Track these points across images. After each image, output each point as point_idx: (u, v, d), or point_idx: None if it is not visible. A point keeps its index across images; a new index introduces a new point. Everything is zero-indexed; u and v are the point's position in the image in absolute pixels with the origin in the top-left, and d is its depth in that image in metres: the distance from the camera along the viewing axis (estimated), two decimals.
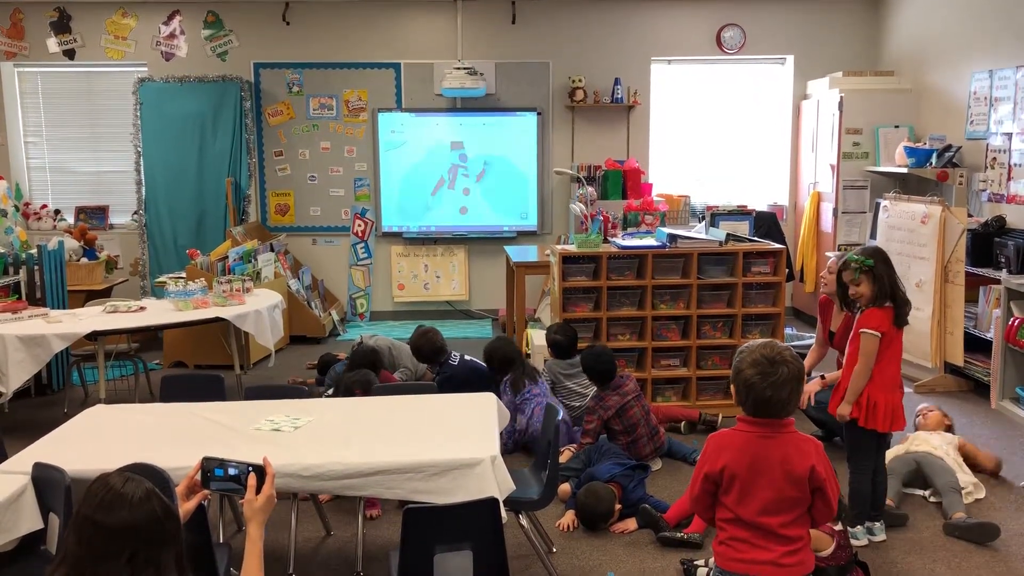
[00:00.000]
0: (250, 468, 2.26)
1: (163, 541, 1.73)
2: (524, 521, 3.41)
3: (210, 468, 2.32)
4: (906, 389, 5.84)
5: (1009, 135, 6.19)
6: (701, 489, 2.52)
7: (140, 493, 1.72)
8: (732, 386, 2.49)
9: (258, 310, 5.54)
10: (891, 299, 3.57)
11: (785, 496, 2.42)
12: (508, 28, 8.38)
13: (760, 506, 2.42)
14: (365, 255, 8.55)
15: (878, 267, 3.58)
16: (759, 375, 2.40)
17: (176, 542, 1.76)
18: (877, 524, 3.77)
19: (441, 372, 5.17)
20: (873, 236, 6.58)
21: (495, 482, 2.91)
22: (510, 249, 7.17)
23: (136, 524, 1.69)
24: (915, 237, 6.05)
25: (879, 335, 3.56)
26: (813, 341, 5.68)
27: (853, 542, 3.58)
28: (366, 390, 4.20)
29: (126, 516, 1.69)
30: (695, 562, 3.52)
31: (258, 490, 2.22)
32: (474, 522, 2.67)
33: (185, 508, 2.28)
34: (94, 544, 1.68)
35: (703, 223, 6.45)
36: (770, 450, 2.42)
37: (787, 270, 5.71)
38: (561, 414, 3.51)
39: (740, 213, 6.51)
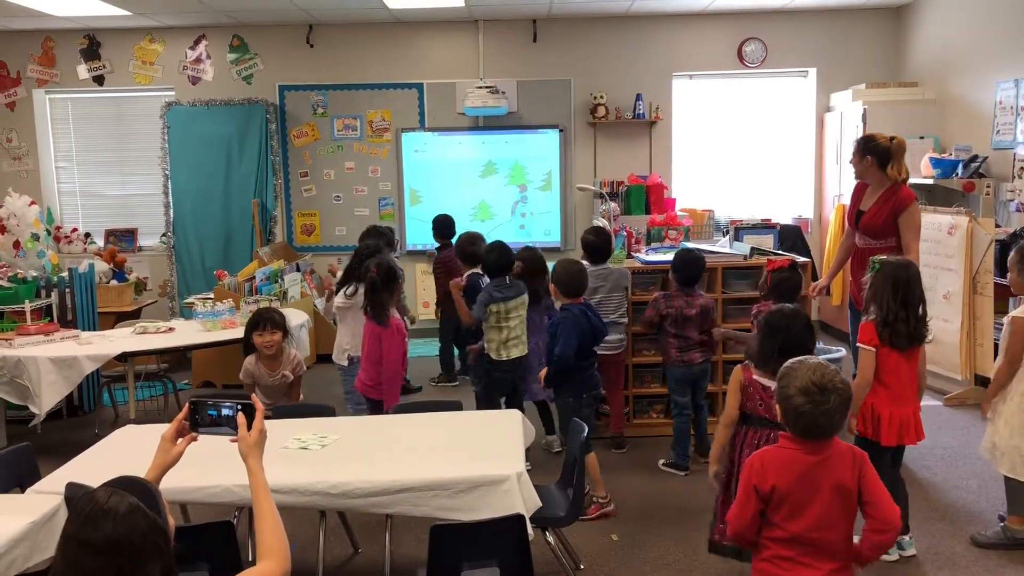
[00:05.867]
0: (239, 406, 2.24)
1: (149, 556, 1.68)
2: (551, 538, 3.41)
3: (200, 410, 2.28)
4: (935, 402, 5.87)
5: None
6: (754, 508, 2.40)
7: (124, 508, 1.67)
8: (778, 406, 2.42)
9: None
10: (880, 313, 3.53)
11: (834, 510, 2.36)
12: (529, 46, 8.43)
13: (810, 522, 2.36)
14: None
15: (877, 278, 3.57)
16: (810, 403, 2.33)
17: (163, 555, 1.71)
18: (906, 538, 3.73)
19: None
20: None
21: (521, 499, 2.91)
22: None
23: (120, 539, 1.64)
24: (942, 248, 5.99)
25: (872, 350, 3.56)
26: (840, 354, 5.65)
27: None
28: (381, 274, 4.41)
29: (110, 532, 1.64)
30: None
31: (249, 427, 2.19)
32: (501, 539, 2.68)
33: (176, 451, 2.26)
34: (80, 563, 1.64)
35: (727, 237, 6.43)
36: (817, 465, 2.38)
37: (813, 284, 5.67)
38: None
39: (764, 227, 6.49)
